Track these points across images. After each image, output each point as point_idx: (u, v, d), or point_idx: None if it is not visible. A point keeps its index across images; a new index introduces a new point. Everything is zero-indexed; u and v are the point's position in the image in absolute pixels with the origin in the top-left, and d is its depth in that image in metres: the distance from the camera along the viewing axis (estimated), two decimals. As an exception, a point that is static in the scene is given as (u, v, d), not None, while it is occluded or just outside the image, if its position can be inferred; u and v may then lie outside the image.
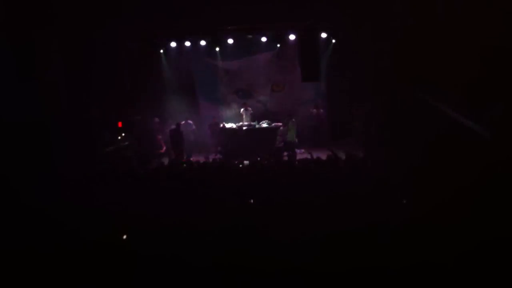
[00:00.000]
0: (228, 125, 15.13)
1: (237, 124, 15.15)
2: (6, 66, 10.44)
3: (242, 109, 15.56)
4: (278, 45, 15.47)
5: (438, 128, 7.69)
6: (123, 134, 14.76)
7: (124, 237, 5.69)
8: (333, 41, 14.91)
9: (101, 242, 5.12)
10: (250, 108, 15.55)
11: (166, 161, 12.52)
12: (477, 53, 6.71)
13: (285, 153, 13.47)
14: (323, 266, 4.37)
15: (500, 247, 4.09)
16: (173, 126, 14.21)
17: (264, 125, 14.88)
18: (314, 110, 15.60)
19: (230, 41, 14.54)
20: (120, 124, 14.97)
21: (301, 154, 13.61)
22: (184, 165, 10.11)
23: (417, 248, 4.38)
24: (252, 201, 7.31)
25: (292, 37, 14.14)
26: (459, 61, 7.41)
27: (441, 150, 7.45)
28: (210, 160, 11.72)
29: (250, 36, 14.12)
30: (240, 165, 10.84)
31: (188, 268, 4.60)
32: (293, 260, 4.47)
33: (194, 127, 15.04)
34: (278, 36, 14.81)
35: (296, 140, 14.28)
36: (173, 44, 14.88)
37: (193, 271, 4.55)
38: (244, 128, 14.84)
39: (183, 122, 15.16)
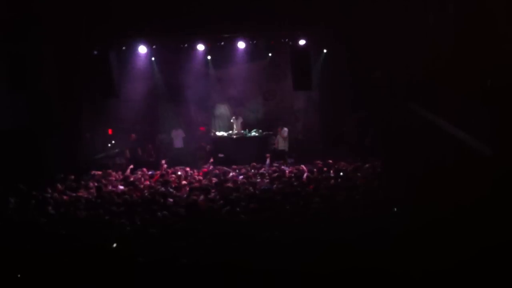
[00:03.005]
0: (219, 134, 15.07)
1: (227, 133, 15.09)
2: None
3: (233, 118, 15.52)
4: (270, 54, 15.50)
5: (432, 140, 7.71)
6: (113, 142, 14.66)
7: (114, 245, 5.63)
8: (325, 50, 14.98)
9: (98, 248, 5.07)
10: (241, 117, 15.52)
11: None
12: (472, 63, 6.75)
13: (276, 162, 13.43)
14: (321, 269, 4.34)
15: (499, 256, 4.06)
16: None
17: (254, 134, 14.83)
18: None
19: (222, 49, 14.54)
20: (110, 132, 14.87)
21: (292, 163, 13.58)
22: None
23: (415, 255, 4.35)
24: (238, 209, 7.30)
25: (284, 45, 14.19)
26: (454, 70, 7.44)
27: (434, 161, 7.47)
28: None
29: (242, 45, 14.13)
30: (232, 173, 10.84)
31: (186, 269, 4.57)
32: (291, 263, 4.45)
33: (184, 135, 14.99)
34: (270, 45, 14.83)
35: (287, 149, 14.26)
36: (165, 52, 14.84)
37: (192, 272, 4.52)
38: (235, 136, 14.79)
39: (173, 130, 15.10)
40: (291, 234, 5.37)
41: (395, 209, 6.30)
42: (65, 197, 8.98)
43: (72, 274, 4.64)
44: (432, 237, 4.61)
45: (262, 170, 11.08)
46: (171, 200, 8.31)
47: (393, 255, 4.42)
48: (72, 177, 10.57)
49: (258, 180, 9.85)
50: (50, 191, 9.35)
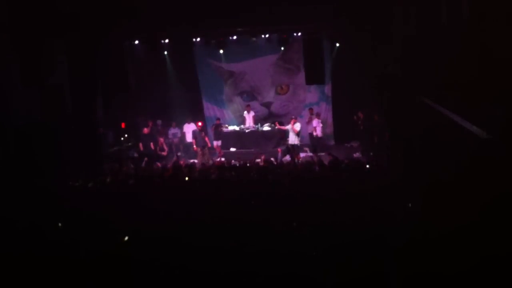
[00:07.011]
0: (231, 127, 15.10)
1: (240, 127, 15.12)
2: (11, 70, 10.45)
3: (245, 112, 15.54)
4: (283, 48, 15.45)
5: (442, 133, 7.62)
6: (126, 135, 14.77)
7: (126, 238, 5.65)
8: (337, 44, 14.87)
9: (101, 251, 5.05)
10: (253, 111, 15.53)
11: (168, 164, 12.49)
12: (479, 56, 6.66)
13: (288, 156, 13.43)
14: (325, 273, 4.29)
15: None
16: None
17: (267, 128, 14.83)
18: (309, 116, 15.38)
19: (235, 43, 14.53)
20: (123, 125, 14.98)
21: (304, 157, 13.55)
22: None
23: (423, 257, 4.27)
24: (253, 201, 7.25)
25: (296, 39, 14.12)
26: (462, 63, 7.35)
27: (448, 156, 7.39)
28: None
29: (254, 39, 14.09)
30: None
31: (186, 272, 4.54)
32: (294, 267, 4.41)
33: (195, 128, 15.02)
34: (283, 38, 14.79)
35: (299, 143, 14.23)
36: (178, 46, 14.87)
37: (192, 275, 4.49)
38: (247, 130, 14.81)
39: (186, 124, 15.14)
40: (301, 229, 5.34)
41: (410, 205, 6.22)
42: (79, 190, 9.07)
43: (82, 272, 4.64)
44: (445, 238, 4.51)
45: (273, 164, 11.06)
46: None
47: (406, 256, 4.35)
48: (86, 171, 10.67)
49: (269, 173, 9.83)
50: (64, 185, 9.45)
